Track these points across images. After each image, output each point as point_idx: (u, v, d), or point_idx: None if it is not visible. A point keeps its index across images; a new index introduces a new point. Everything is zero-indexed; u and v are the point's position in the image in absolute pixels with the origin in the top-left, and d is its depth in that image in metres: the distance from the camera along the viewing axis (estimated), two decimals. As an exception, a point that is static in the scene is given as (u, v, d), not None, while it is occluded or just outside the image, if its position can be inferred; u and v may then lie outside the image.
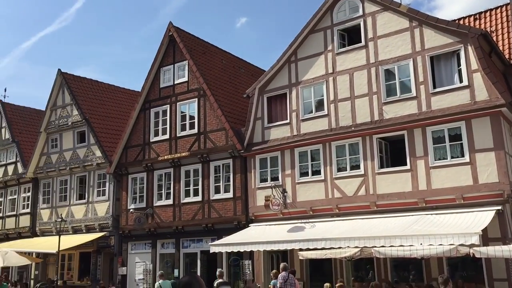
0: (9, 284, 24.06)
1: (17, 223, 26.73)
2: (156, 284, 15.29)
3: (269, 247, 15.20)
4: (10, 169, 27.69)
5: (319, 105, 17.60)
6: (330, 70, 17.46)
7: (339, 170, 16.68)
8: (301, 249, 14.54)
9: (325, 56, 17.68)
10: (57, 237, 21.49)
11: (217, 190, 19.56)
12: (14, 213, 27.08)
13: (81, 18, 79.82)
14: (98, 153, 23.41)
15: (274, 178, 18.09)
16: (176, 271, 19.98)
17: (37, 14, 78.33)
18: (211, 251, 16.87)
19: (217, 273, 13.21)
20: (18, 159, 27.23)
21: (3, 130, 28.54)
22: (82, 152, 24.28)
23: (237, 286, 18.62)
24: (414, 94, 15.61)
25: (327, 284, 13.32)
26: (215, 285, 12.30)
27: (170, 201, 20.74)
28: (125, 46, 78.34)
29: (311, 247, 13.99)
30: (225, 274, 18.63)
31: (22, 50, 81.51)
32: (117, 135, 24.04)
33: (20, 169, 26.85)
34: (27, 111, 29.96)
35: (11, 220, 27.08)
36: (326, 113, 17.28)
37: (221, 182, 19.59)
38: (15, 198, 27.39)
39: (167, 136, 21.31)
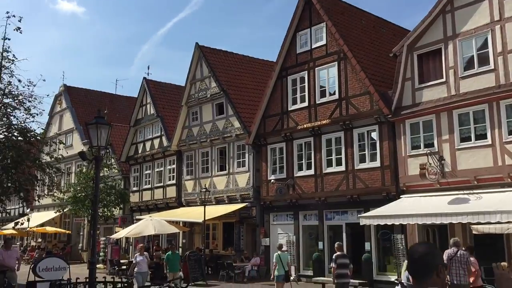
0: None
1: (164, 194, 28.16)
2: (275, 255, 14.59)
3: (429, 220, 13.61)
4: (156, 142, 29.17)
5: (483, 59, 15.22)
6: (496, 17, 14.95)
7: (510, 133, 14.30)
8: (470, 223, 12.73)
9: (489, 1, 15.16)
10: (202, 207, 22.07)
11: (362, 159, 18.24)
12: (161, 184, 28.55)
13: (209, 2, 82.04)
14: (236, 124, 23.40)
15: (428, 145, 16.23)
16: (320, 243, 19.23)
17: (170, 1, 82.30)
18: (361, 224, 15.74)
19: (336, 245, 13.09)
20: (162, 133, 28.54)
21: (148, 106, 30.10)
22: (221, 124, 24.51)
23: (388, 261, 17.32)
24: None
25: (503, 264, 11.42)
26: (333, 257, 12.35)
27: (311, 172, 19.93)
28: (252, 26, 79.06)
29: (482, 221, 12.13)
30: (374, 249, 17.46)
31: (159, 37, 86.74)
32: (254, 105, 23.78)
33: (165, 142, 28.10)
34: (168, 87, 31.23)
35: (159, 191, 28.63)
36: (492, 67, 14.88)
37: (366, 150, 18.21)
38: (161, 170, 28.84)
39: (305, 104, 20.41)
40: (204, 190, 21.80)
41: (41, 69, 76.95)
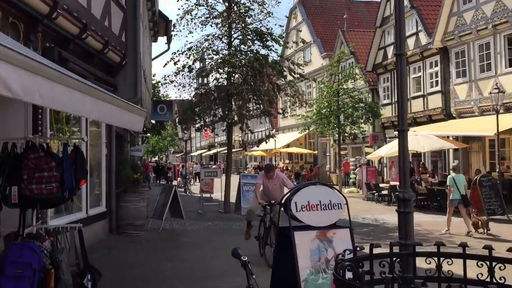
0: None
1: (425, 105, 22.64)
2: (449, 177, 12.17)
3: None
4: (411, 42, 23.35)
5: None
6: None
7: None
8: None
9: None
10: (481, 118, 16.23)
11: None
12: (421, 93, 23.01)
13: None
14: (539, -6, 16.04)
15: None
16: None
17: None
18: None
19: None
20: (420, 28, 22.58)
21: (398, -3, 24.25)
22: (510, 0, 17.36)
23: None
24: None
25: None
26: None
27: None
28: None
29: None
30: None
31: None
32: None
33: (424, 40, 22.17)
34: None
35: (418, 102, 23.19)
36: None
37: None
38: (419, 76, 23.21)
39: None
40: (495, 90, 15.59)
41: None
